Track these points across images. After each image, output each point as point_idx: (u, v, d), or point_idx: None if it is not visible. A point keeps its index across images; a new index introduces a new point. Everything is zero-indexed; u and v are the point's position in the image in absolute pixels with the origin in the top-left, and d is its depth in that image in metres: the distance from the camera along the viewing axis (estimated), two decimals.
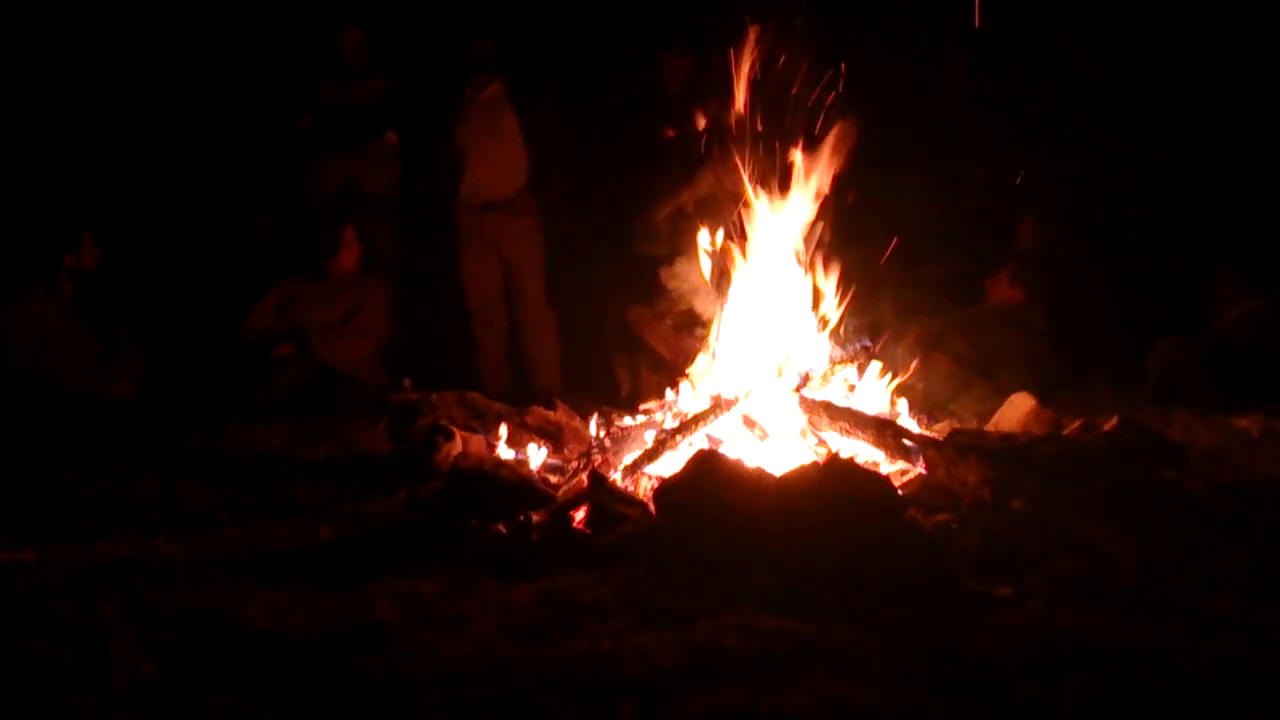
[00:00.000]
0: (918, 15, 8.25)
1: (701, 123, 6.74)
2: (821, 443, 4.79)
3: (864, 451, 4.77)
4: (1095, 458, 4.46)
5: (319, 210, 8.03)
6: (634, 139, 8.01)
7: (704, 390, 5.20)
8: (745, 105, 5.34)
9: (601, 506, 4.19)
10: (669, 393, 5.46)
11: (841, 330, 5.31)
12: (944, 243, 8.16)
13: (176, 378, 7.47)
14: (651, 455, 4.79)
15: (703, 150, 6.99)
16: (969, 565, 3.80)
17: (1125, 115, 8.45)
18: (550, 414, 5.67)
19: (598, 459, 4.89)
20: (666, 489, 4.20)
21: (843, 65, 5.84)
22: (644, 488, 4.62)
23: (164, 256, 8.20)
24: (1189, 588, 3.61)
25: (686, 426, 4.91)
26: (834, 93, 5.58)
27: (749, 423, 4.86)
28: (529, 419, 5.63)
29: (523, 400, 6.41)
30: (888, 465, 4.71)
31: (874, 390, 5.28)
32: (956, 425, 5.40)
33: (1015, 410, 5.50)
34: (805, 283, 5.21)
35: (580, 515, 4.21)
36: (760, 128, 5.40)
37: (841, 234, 5.30)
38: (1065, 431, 4.91)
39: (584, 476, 4.48)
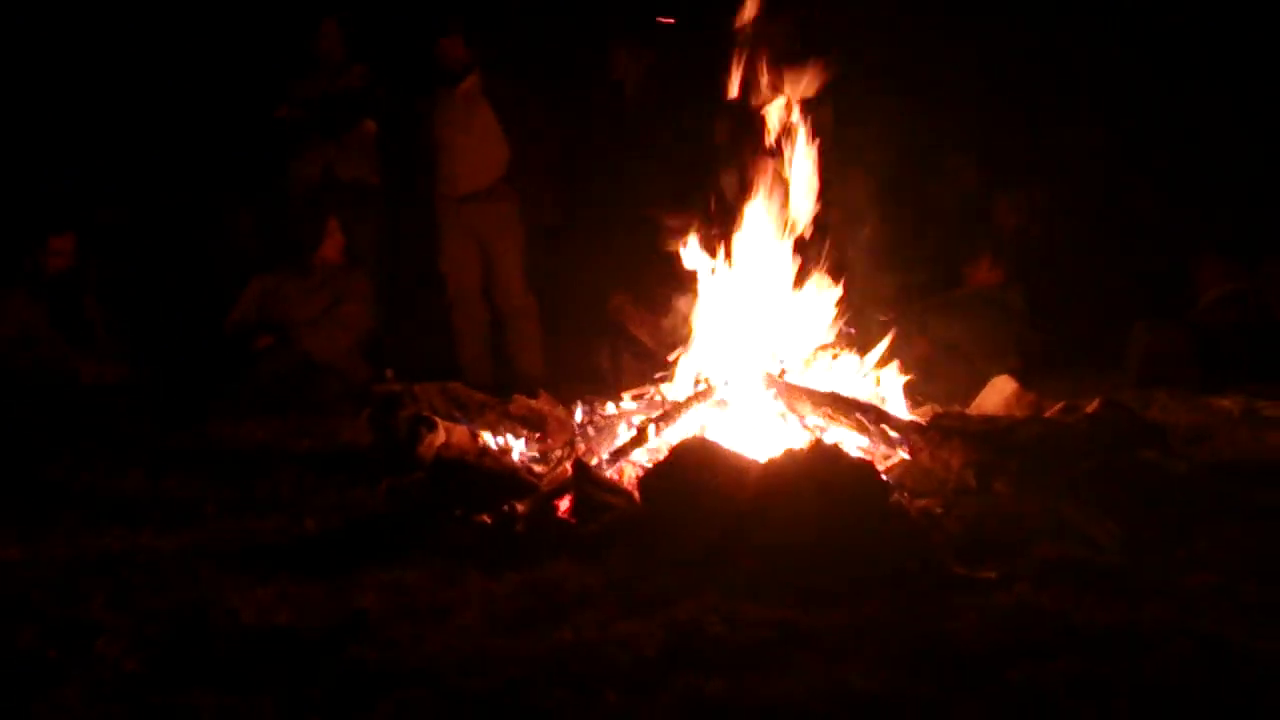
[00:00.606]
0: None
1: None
2: (806, 428, 4.80)
3: (848, 437, 4.77)
4: (1077, 439, 4.48)
5: (299, 202, 8.00)
6: (612, 128, 8.01)
7: (687, 377, 5.20)
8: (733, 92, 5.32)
9: (586, 495, 4.19)
10: (652, 380, 5.46)
11: (825, 315, 5.32)
12: (924, 226, 8.18)
13: (159, 371, 7.44)
14: (635, 443, 4.79)
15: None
16: (953, 549, 3.81)
17: (1107, 98, 8.47)
18: (533, 403, 5.65)
19: (581, 448, 4.90)
20: (651, 477, 4.20)
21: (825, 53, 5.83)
22: (628, 476, 4.63)
23: (145, 250, 8.16)
24: (1172, 567, 3.62)
25: (670, 414, 4.91)
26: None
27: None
28: (512, 408, 5.61)
29: (506, 390, 6.40)
30: (872, 450, 4.72)
31: (860, 375, 5.28)
32: (939, 409, 5.40)
33: (997, 393, 5.52)
34: (788, 268, 5.21)
35: (565, 504, 4.21)
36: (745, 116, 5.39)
37: (824, 221, 5.28)
38: (1047, 414, 4.93)
39: (568, 465, 4.48)
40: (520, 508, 4.22)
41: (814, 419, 4.82)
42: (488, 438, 5.15)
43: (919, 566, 3.65)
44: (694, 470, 4.07)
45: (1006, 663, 2.96)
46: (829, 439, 4.59)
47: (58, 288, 7.42)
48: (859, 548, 3.68)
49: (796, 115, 5.24)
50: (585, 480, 4.27)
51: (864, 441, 4.75)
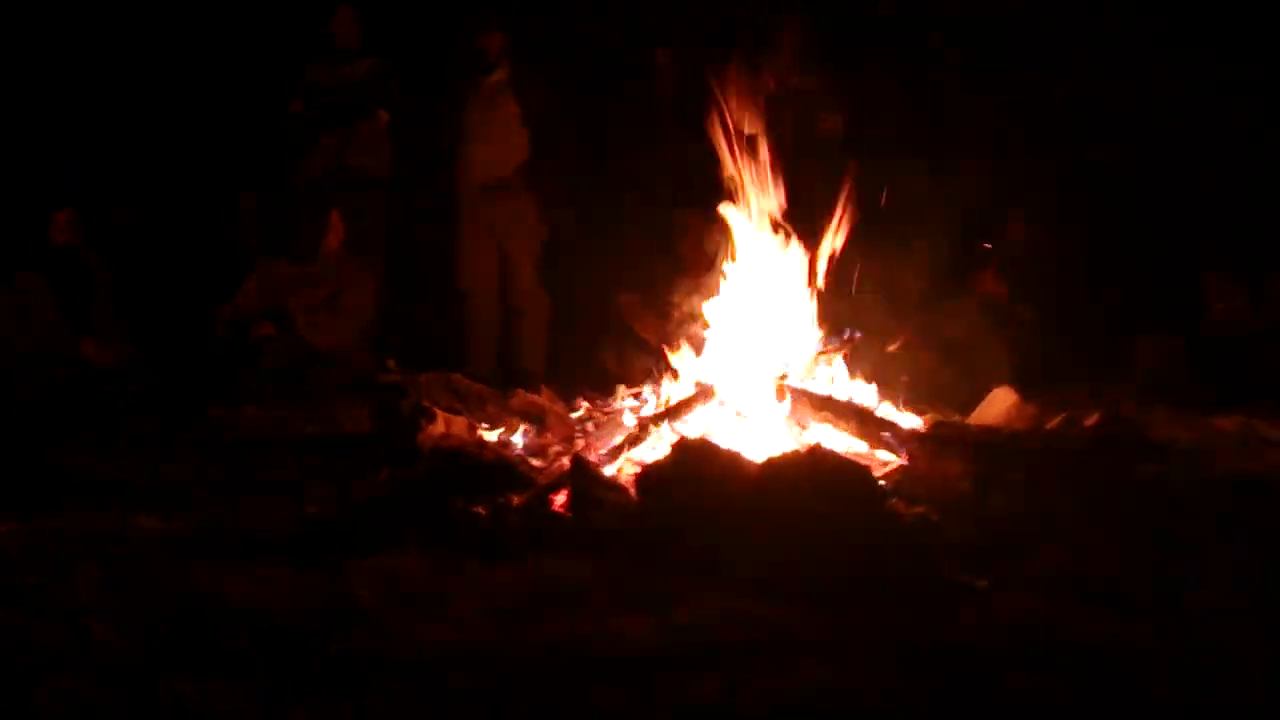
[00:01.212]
0: (911, 10, 8.26)
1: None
2: (805, 431, 4.80)
3: (847, 441, 4.77)
4: (1077, 453, 4.48)
5: (307, 191, 7.99)
6: (633, 130, 8.00)
7: (688, 377, 5.20)
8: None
9: (583, 491, 4.20)
10: (653, 379, 5.46)
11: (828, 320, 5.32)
12: (931, 236, 8.17)
13: (159, 357, 7.44)
14: (634, 440, 4.79)
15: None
16: (949, 557, 3.81)
17: (1115, 112, 8.46)
18: (534, 397, 5.66)
19: (581, 443, 4.90)
20: (649, 474, 4.21)
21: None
22: (626, 473, 4.63)
23: (148, 235, 8.16)
24: (1168, 584, 3.61)
25: (669, 413, 4.91)
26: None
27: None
28: (513, 402, 5.62)
29: (507, 384, 6.40)
30: (870, 456, 4.72)
31: (859, 381, 5.28)
32: (939, 418, 5.40)
33: (997, 404, 5.51)
34: (794, 274, 5.20)
35: (562, 499, 4.21)
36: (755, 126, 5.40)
37: (829, 230, 5.28)
38: (1047, 426, 4.93)
39: (567, 460, 4.48)
40: (517, 501, 4.22)
41: (814, 423, 4.81)
42: (487, 431, 5.15)
43: (914, 573, 3.65)
44: (692, 469, 4.07)
45: (999, 672, 2.96)
46: (828, 443, 4.58)
47: (60, 270, 7.42)
48: (854, 552, 3.67)
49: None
50: (583, 476, 4.27)
51: (862, 447, 4.75)
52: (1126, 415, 5.12)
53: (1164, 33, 8.21)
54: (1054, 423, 4.94)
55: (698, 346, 5.31)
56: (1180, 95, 8.32)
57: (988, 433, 4.83)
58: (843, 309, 5.46)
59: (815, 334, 5.26)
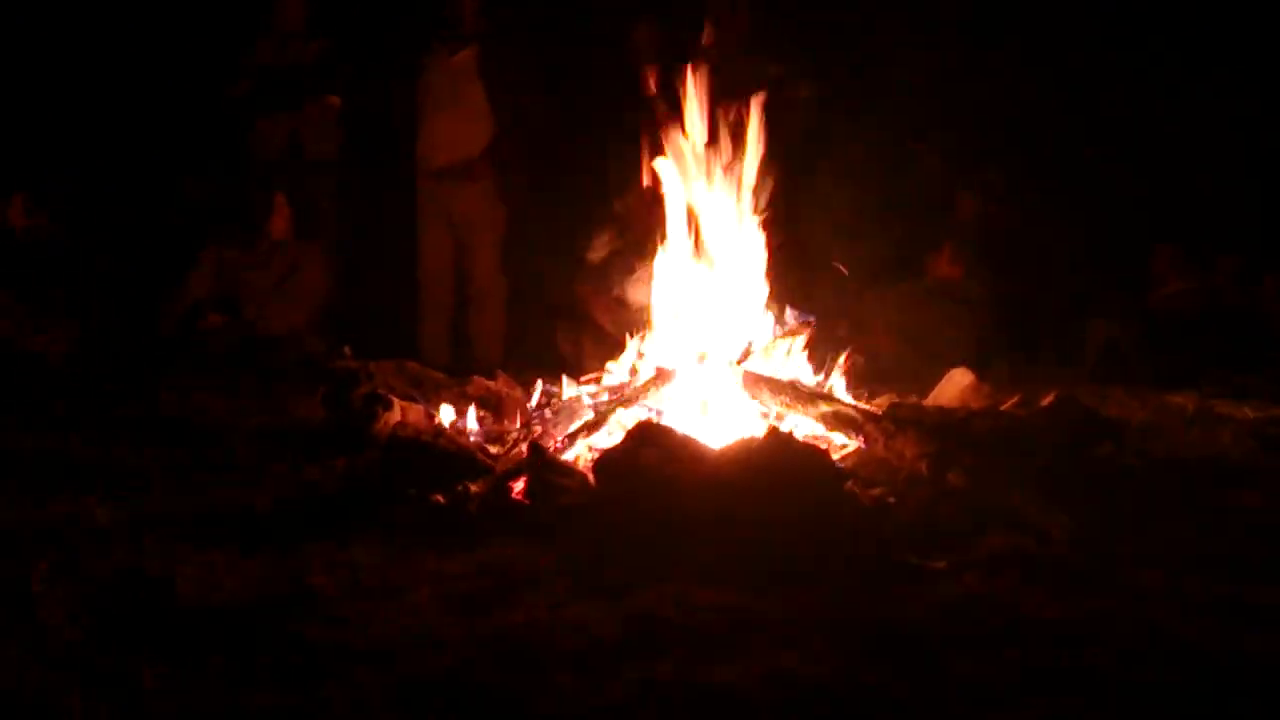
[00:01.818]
0: None
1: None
2: (762, 415, 4.80)
3: (804, 425, 4.78)
4: (1032, 433, 4.50)
5: (256, 174, 7.91)
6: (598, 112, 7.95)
7: (644, 362, 5.18)
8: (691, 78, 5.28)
9: (541, 478, 4.18)
10: (609, 365, 5.44)
11: (783, 303, 5.31)
12: (884, 217, 8.19)
13: (109, 340, 7.36)
14: (592, 427, 4.77)
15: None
16: (905, 539, 3.82)
17: (1067, 90, 8.50)
18: (491, 384, 5.63)
19: (538, 430, 4.87)
20: (606, 460, 4.19)
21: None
22: (584, 459, 4.61)
23: (95, 219, 8.05)
24: (1122, 562, 3.65)
25: (627, 398, 4.90)
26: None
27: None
28: (469, 389, 5.59)
29: (463, 371, 6.37)
30: (827, 439, 4.72)
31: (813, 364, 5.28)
32: (895, 399, 5.41)
33: (953, 385, 5.53)
34: (748, 255, 5.19)
35: (519, 486, 4.19)
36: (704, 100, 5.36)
37: (783, 209, 5.27)
38: (1003, 407, 4.95)
39: (524, 447, 4.46)
40: (474, 488, 4.20)
41: (770, 406, 4.81)
42: (443, 417, 5.12)
43: (870, 555, 3.66)
44: (649, 455, 4.06)
45: (955, 652, 2.98)
46: (784, 426, 4.58)
47: (8, 253, 7.32)
48: (811, 535, 3.69)
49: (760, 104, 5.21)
50: (540, 462, 4.25)
51: (819, 430, 4.75)
52: (1081, 394, 5.14)
53: (1112, 10, 8.25)
54: (1009, 403, 4.96)
55: (653, 331, 5.29)
56: (1133, 74, 8.36)
57: (944, 414, 4.83)
58: (798, 292, 5.46)
59: (771, 318, 5.26)
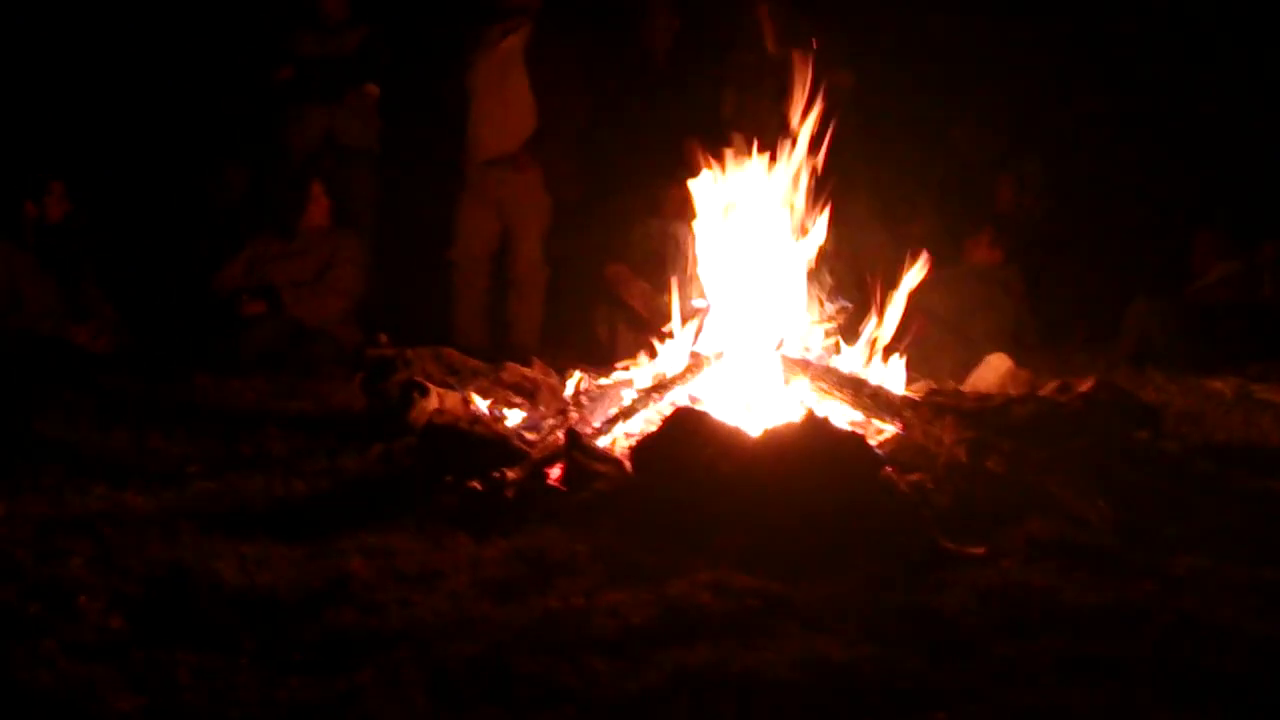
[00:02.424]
0: None
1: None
2: (799, 401, 4.78)
3: (841, 411, 4.75)
4: (1071, 418, 4.47)
5: (294, 164, 7.94)
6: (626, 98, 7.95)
7: (682, 348, 5.17)
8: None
9: (577, 464, 4.17)
10: (646, 351, 5.44)
11: (824, 289, 5.29)
12: (924, 202, 8.16)
13: (147, 331, 7.41)
14: (628, 413, 4.77)
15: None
16: (943, 524, 3.80)
17: (1107, 76, 8.43)
18: (526, 371, 5.63)
19: (574, 416, 4.87)
20: (643, 447, 4.19)
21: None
22: (620, 446, 4.61)
23: (133, 209, 8.11)
24: (1161, 548, 3.61)
25: (663, 385, 4.89)
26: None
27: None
28: (505, 376, 5.59)
29: (500, 358, 6.38)
30: (865, 425, 4.70)
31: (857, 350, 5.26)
32: (933, 385, 5.39)
33: (991, 371, 5.51)
34: (789, 241, 5.17)
35: (556, 473, 4.19)
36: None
37: (826, 193, 5.24)
38: (1041, 392, 4.92)
39: (560, 434, 4.46)
40: (511, 475, 4.20)
41: (808, 392, 4.80)
42: (480, 404, 5.13)
43: (908, 541, 3.65)
44: (686, 441, 4.05)
45: (992, 639, 2.96)
46: (822, 412, 4.56)
47: (42, 242, 7.37)
48: (848, 521, 3.68)
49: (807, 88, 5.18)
50: (577, 449, 4.25)
51: (857, 416, 4.73)
52: (1120, 380, 5.10)
53: None
54: (1048, 388, 4.92)
55: (692, 317, 5.28)
56: (1174, 59, 8.29)
57: (982, 400, 4.81)
58: (837, 279, 5.43)
59: (810, 304, 5.23)
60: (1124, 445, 4.34)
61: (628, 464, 4.21)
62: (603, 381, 5.28)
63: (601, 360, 6.03)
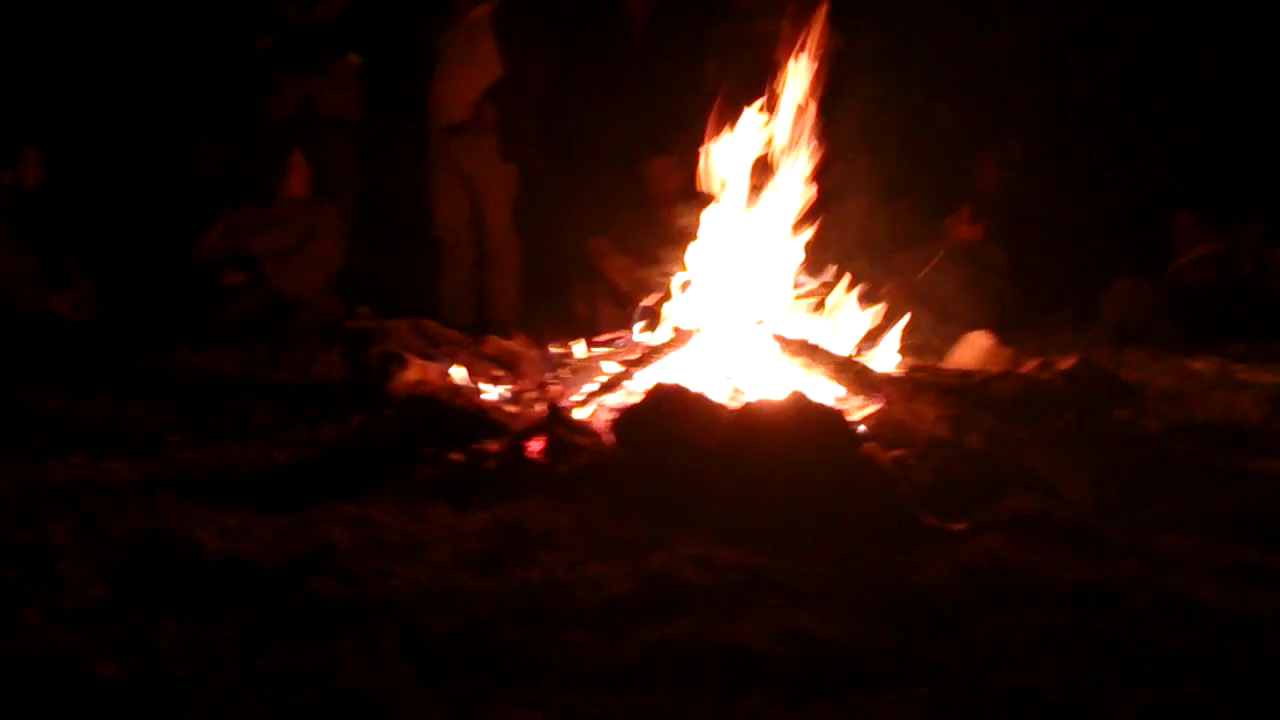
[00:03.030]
0: None
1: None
2: (780, 376, 4.78)
3: (823, 386, 4.76)
4: (1052, 396, 4.48)
5: (273, 133, 7.88)
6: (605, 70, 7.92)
7: (664, 322, 5.17)
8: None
9: (559, 437, 4.17)
10: (628, 325, 5.43)
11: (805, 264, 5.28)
12: (904, 180, 8.14)
13: (125, 301, 7.36)
14: (609, 386, 4.77)
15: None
16: (924, 500, 3.80)
17: (1088, 55, 8.42)
18: (508, 343, 5.62)
19: (556, 389, 4.87)
20: (624, 420, 4.18)
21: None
22: (602, 419, 4.60)
23: (111, 177, 8.03)
24: (1141, 526, 3.62)
25: (645, 358, 4.89)
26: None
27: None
28: (486, 348, 5.58)
29: (482, 330, 6.36)
30: (846, 400, 4.70)
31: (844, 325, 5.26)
32: (915, 362, 5.39)
33: (973, 348, 5.51)
34: (775, 215, 5.16)
35: (537, 445, 4.18)
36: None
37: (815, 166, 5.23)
38: (1022, 370, 4.92)
39: (541, 406, 4.45)
40: (492, 447, 4.19)
41: (790, 367, 4.80)
42: (460, 376, 5.11)
43: (889, 516, 3.65)
44: (667, 415, 4.04)
45: (972, 614, 2.96)
46: (803, 388, 4.56)
47: (17, 211, 7.30)
48: (828, 496, 3.67)
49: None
50: (558, 422, 4.24)
51: (839, 391, 4.73)
52: (1101, 359, 5.11)
53: None
54: (1029, 366, 4.93)
55: (672, 291, 5.27)
56: (1155, 39, 8.28)
57: (963, 376, 4.82)
58: (818, 253, 5.42)
59: (791, 278, 5.23)
60: (1105, 423, 4.35)
61: (609, 437, 4.21)
62: (583, 354, 5.27)
63: (582, 334, 6.00)
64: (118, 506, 3.64)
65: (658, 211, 7.24)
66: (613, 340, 5.47)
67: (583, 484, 3.88)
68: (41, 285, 7.25)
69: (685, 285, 5.25)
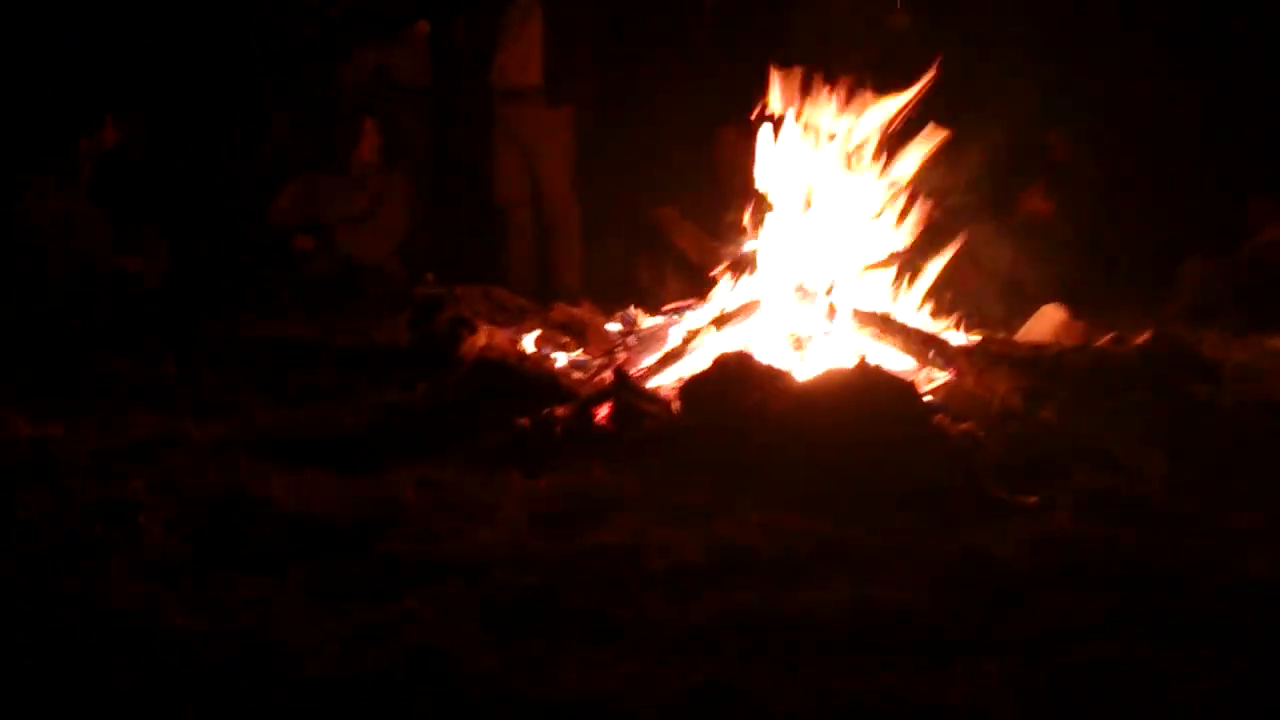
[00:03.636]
0: None
1: None
2: (850, 346, 4.75)
3: (894, 356, 4.72)
4: (1127, 370, 4.41)
5: (345, 101, 7.93)
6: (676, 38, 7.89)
7: (733, 291, 5.15)
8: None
9: (626, 404, 4.18)
10: (696, 293, 5.42)
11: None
12: (974, 153, 8.05)
13: (198, 266, 7.44)
14: (677, 354, 4.76)
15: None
16: (994, 473, 3.77)
17: (1164, 31, 8.28)
18: (575, 311, 5.63)
19: (622, 356, 4.87)
20: (691, 388, 4.19)
21: None
22: (668, 387, 4.60)
23: (186, 142, 8.11)
24: (1216, 503, 3.57)
25: (712, 326, 4.88)
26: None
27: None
28: (554, 315, 5.60)
29: (549, 298, 6.37)
30: (917, 372, 4.67)
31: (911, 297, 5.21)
32: (987, 334, 5.34)
33: (1046, 321, 5.45)
34: (846, 187, 5.12)
35: (604, 412, 4.19)
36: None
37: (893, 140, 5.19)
38: (1097, 343, 4.86)
39: (608, 374, 4.46)
40: (559, 413, 4.21)
41: (860, 337, 4.77)
42: (528, 342, 5.14)
43: (958, 488, 3.62)
44: (734, 383, 4.04)
45: (1041, 588, 2.94)
46: (873, 358, 4.53)
47: (94, 175, 7.39)
48: (898, 467, 3.65)
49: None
50: (625, 389, 4.25)
51: (910, 362, 4.70)
52: (1176, 334, 5.02)
53: None
54: (1103, 340, 4.86)
55: (743, 260, 5.25)
56: (1235, 18, 8.13)
57: (1036, 349, 4.75)
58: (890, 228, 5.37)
59: (863, 250, 5.19)
60: (1181, 399, 4.27)
61: (675, 405, 4.21)
62: (651, 323, 5.28)
63: (647, 302, 6.00)
64: (194, 465, 3.71)
65: (728, 181, 7.20)
66: (679, 309, 5.45)
67: (650, 451, 3.90)
68: (118, 249, 7.35)
69: (754, 254, 5.22)
